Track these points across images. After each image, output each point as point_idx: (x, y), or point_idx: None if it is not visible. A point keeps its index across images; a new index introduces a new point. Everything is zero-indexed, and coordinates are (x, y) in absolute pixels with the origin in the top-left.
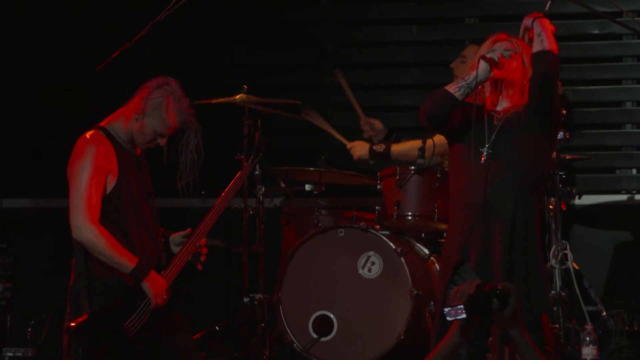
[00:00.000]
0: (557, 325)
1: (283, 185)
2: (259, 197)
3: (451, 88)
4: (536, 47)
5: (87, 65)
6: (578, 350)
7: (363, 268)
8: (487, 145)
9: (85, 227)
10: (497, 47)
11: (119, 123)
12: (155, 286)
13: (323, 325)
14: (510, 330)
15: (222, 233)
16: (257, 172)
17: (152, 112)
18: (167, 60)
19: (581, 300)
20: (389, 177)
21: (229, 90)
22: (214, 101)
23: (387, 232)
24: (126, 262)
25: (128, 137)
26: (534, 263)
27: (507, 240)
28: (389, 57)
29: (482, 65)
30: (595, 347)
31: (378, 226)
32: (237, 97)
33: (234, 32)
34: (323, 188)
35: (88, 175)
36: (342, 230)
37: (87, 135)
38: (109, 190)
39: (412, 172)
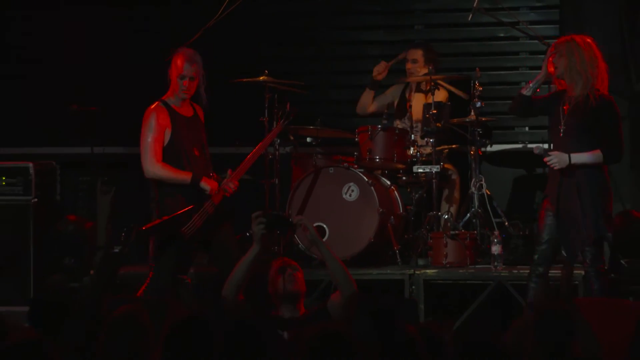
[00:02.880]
0: (475, 232)
1: (292, 138)
2: (276, 146)
3: (523, 90)
4: None
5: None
6: (489, 248)
7: (346, 194)
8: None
9: (151, 167)
10: (547, 54)
11: (170, 94)
12: (210, 182)
13: (319, 233)
14: (314, 237)
15: (251, 170)
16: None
17: (171, 68)
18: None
19: (491, 215)
20: (363, 133)
21: (255, 73)
22: (244, 80)
23: (362, 170)
24: (185, 176)
25: (176, 100)
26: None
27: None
28: (363, 52)
29: (542, 69)
30: (500, 245)
31: (356, 166)
32: (261, 78)
33: (255, 30)
34: (319, 140)
35: (151, 133)
36: (332, 168)
37: (151, 106)
38: (166, 142)
39: (379, 129)
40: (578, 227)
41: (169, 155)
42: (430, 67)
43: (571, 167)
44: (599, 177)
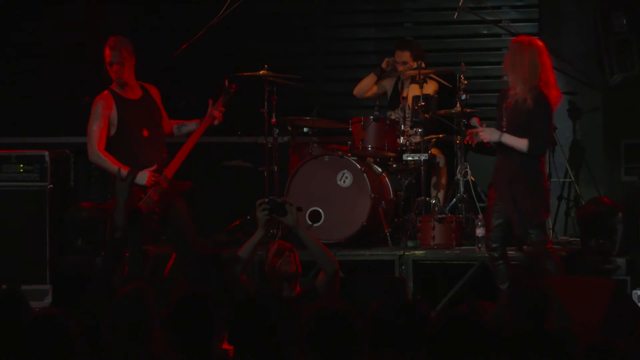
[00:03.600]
0: (460, 216)
1: (290, 128)
2: (275, 136)
3: None
4: None
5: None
6: (473, 230)
7: (340, 180)
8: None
9: (92, 155)
10: None
11: (114, 82)
12: (142, 175)
13: (315, 216)
14: (294, 226)
15: (252, 158)
16: (273, 120)
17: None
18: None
19: (476, 200)
20: (356, 123)
21: (255, 68)
22: (245, 74)
23: (355, 158)
24: (118, 170)
25: (120, 86)
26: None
27: None
28: (355, 48)
29: None
30: (484, 228)
31: (349, 154)
32: (261, 72)
33: (255, 28)
34: (315, 130)
35: (95, 121)
36: (327, 156)
37: (98, 96)
38: (114, 127)
39: (372, 120)
40: (518, 213)
41: (117, 140)
42: (419, 62)
43: (509, 158)
44: (534, 168)
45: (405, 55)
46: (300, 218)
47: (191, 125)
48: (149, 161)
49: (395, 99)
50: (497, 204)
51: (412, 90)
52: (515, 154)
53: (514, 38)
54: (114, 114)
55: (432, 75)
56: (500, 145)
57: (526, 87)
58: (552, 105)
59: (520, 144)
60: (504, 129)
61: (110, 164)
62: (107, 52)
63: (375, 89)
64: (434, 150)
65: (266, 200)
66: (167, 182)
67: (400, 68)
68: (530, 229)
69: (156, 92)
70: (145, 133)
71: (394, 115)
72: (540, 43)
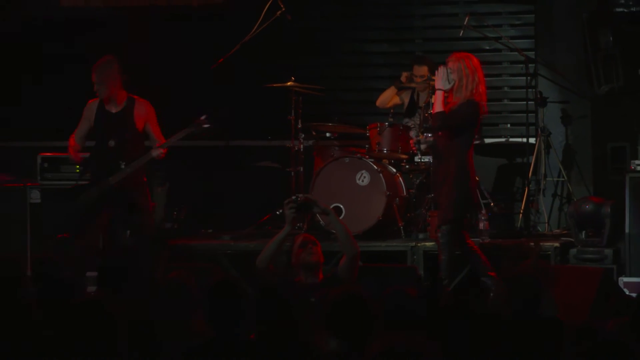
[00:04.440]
0: None
1: (313, 133)
2: (300, 140)
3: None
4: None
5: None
6: (477, 224)
7: (359, 180)
8: None
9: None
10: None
11: None
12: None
13: (336, 212)
14: (326, 211)
15: (280, 159)
16: (299, 126)
17: None
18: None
19: (479, 197)
20: (373, 129)
21: (283, 80)
22: (274, 85)
23: (372, 159)
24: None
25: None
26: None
27: None
28: (370, 61)
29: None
30: (487, 222)
31: (367, 156)
32: (288, 83)
33: (282, 43)
34: (336, 135)
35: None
36: (347, 158)
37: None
38: (86, 130)
39: (387, 125)
40: (441, 208)
41: (96, 141)
42: (430, 76)
43: (440, 162)
44: (459, 171)
45: (423, 70)
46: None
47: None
48: (106, 168)
49: (412, 108)
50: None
51: (426, 97)
52: (444, 158)
53: (453, 54)
54: (90, 120)
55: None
56: (434, 151)
57: (463, 98)
58: (476, 112)
59: (438, 109)
60: (440, 135)
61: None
62: (92, 74)
63: (395, 100)
64: None
65: (293, 199)
66: (107, 186)
67: (418, 80)
68: (442, 224)
69: (142, 108)
70: (110, 144)
71: (411, 122)
72: (477, 59)
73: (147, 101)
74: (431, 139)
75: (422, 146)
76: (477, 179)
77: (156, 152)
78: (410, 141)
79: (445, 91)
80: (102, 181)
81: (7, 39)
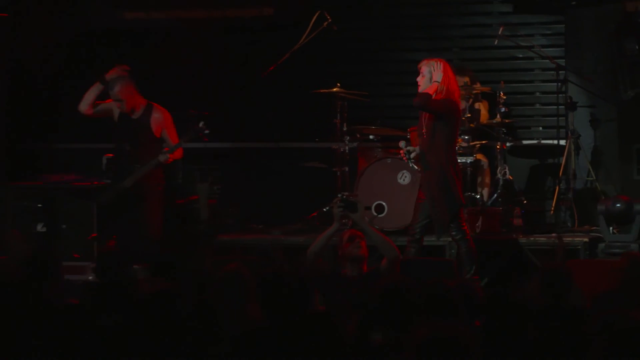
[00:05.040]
0: (500, 208)
1: (358, 135)
2: (345, 142)
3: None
4: None
5: None
6: (511, 220)
7: (400, 179)
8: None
9: None
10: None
11: None
12: None
13: (379, 209)
14: (360, 221)
15: (326, 160)
16: (344, 129)
17: None
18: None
19: (513, 195)
20: (413, 132)
21: (329, 86)
22: (321, 90)
23: (413, 160)
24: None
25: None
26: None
27: None
28: (411, 69)
29: None
30: (520, 219)
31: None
32: (334, 89)
33: (329, 52)
34: (379, 137)
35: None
36: (389, 159)
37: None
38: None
39: None
40: (434, 210)
41: (114, 144)
42: (466, 81)
43: (428, 167)
44: (441, 173)
45: (465, 79)
46: (367, 212)
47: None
48: (123, 171)
49: None
50: (422, 202)
51: (465, 103)
52: (431, 165)
53: (426, 59)
54: (114, 117)
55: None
56: (422, 156)
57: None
58: (456, 110)
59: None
60: (425, 135)
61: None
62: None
63: None
64: (478, 154)
65: (341, 198)
66: (124, 187)
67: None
68: (450, 223)
69: (159, 116)
70: (127, 147)
71: None
72: (448, 63)
73: (164, 109)
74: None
75: (412, 154)
76: (511, 178)
77: (164, 157)
78: (401, 152)
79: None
80: (119, 183)
81: (76, 47)
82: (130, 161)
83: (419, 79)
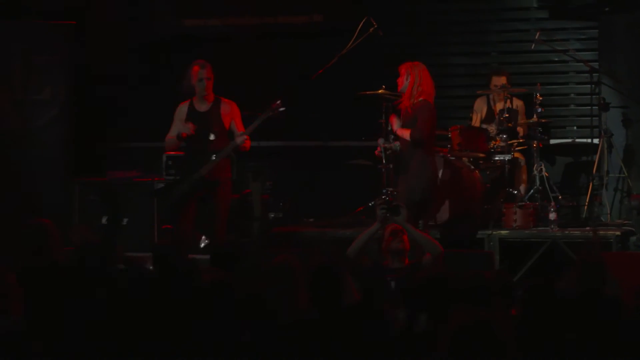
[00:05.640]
0: (537, 203)
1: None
2: (390, 140)
3: None
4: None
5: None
6: (547, 215)
7: (441, 175)
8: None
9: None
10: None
11: (195, 97)
12: None
13: None
14: (404, 224)
15: (371, 158)
16: (389, 129)
17: (191, 78)
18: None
19: (549, 191)
20: (454, 131)
21: (375, 87)
22: (367, 92)
23: (454, 157)
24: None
25: (198, 99)
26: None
27: None
28: (452, 72)
29: None
30: (555, 213)
31: (449, 154)
32: (379, 91)
33: (375, 55)
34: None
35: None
36: None
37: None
38: (180, 129)
39: (466, 128)
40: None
41: (187, 140)
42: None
43: (403, 157)
44: (418, 163)
45: (502, 80)
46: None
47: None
48: (197, 161)
49: (490, 114)
50: (397, 191)
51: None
52: (406, 154)
53: (407, 62)
54: (182, 119)
55: (513, 94)
56: (400, 155)
57: (412, 99)
58: (432, 110)
59: (406, 134)
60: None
61: (172, 143)
62: (196, 69)
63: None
64: (516, 152)
65: (384, 199)
66: (201, 179)
67: (493, 88)
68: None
69: (224, 107)
70: (201, 139)
71: (490, 128)
72: (423, 65)
73: (232, 101)
74: (398, 144)
75: (388, 152)
76: (547, 174)
77: (240, 139)
78: (377, 149)
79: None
80: (194, 173)
81: (141, 53)
82: (205, 151)
83: (399, 79)
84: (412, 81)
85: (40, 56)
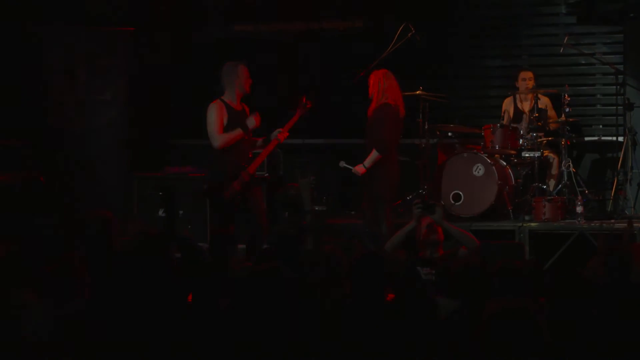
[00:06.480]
0: (564, 197)
1: (438, 132)
2: (427, 138)
3: None
4: None
5: None
6: (574, 208)
7: (475, 171)
8: None
9: (216, 138)
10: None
11: (227, 94)
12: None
13: (456, 197)
14: (440, 222)
15: (410, 154)
16: (426, 127)
17: (237, 77)
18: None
19: (576, 185)
20: (487, 129)
21: (413, 88)
22: (406, 93)
23: (486, 154)
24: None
25: (232, 98)
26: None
27: None
28: (485, 74)
29: None
30: (582, 206)
31: (482, 151)
32: (417, 92)
33: (413, 58)
34: (457, 134)
35: (214, 118)
36: (465, 154)
37: (214, 102)
38: (225, 125)
39: (498, 126)
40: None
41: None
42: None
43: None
44: (378, 171)
45: (529, 74)
46: (445, 202)
47: (259, 142)
48: (241, 158)
49: (518, 114)
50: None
51: (529, 104)
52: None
53: (374, 71)
54: (225, 117)
55: (540, 96)
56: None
57: (378, 103)
58: (389, 112)
59: (373, 156)
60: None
61: (232, 135)
62: (246, 73)
63: (506, 117)
64: (545, 150)
65: (420, 200)
66: (248, 176)
67: (520, 82)
68: (377, 204)
69: (248, 109)
70: (243, 137)
71: (519, 127)
72: (391, 73)
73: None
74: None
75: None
76: (574, 170)
77: (251, 122)
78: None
79: None
80: (243, 172)
81: (195, 55)
82: (247, 149)
83: (369, 88)
84: (377, 88)
85: (103, 60)
